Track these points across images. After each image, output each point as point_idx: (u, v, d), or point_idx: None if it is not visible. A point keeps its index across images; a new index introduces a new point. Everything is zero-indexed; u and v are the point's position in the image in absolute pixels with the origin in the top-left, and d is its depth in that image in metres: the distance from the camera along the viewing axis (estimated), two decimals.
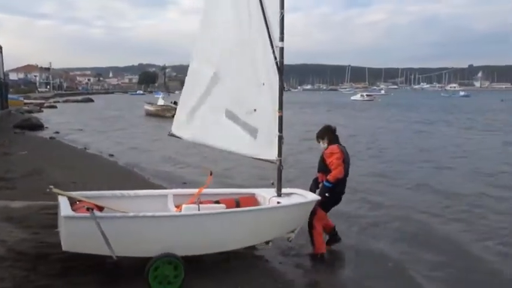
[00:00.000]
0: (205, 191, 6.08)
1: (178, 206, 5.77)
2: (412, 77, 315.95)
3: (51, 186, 5.08)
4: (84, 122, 31.37)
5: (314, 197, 6.20)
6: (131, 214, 5.03)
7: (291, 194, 6.41)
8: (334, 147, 6.31)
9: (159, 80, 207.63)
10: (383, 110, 51.94)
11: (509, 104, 68.63)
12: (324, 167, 6.35)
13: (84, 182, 9.73)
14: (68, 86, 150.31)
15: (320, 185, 6.40)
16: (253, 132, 6.28)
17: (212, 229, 5.31)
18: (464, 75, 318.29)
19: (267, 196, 6.33)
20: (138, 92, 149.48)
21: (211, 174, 6.23)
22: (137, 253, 4.95)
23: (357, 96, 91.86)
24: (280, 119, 6.17)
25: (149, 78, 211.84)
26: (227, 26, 6.22)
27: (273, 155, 6.30)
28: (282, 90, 6.15)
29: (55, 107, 52.83)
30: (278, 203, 6.08)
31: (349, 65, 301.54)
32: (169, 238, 5.03)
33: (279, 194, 6.32)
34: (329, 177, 6.17)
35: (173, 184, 10.62)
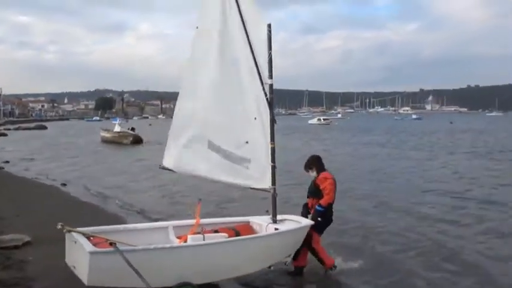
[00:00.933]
0: (202, 221, 6.31)
1: (179, 237, 6.01)
2: (367, 101, 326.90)
3: (61, 224, 5.11)
4: (36, 150, 30.47)
5: (308, 222, 6.54)
6: (152, 246, 5.27)
7: (285, 220, 6.80)
8: (327, 174, 6.78)
9: (116, 106, 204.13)
10: (338, 133, 53.63)
11: (457, 125, 72.58)
12: (316, 192, 6.73)
13: (29, 213, 9.51)
14: (20, 112, 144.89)
15: (312, 210, 6.74)
16: (246, 163, 6.65)
17: (225, 256, 5.65)
18: (416, 98, 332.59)
19: (263, 223, 6.68)
20: (94, 118, 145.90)
21: (200, 201, 6.46)
22: (157, 283, 5.09)
23: (314, 120, 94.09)
24: (273, 150, 6.62)
25: (106, 103, 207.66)
26: (215, 66, 6.65)
27: (266, 183, 6.70)
28: (273, 123, 6.61)
29: (5, 134, 50.91)
30: (276, 229, 6.42)
31: (307, 90, 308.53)
32: (186, 267, 5.29)
33: (275, 221, 6.69)
34: (321, 202, 6.57)
35: (130, 215, 10.60)
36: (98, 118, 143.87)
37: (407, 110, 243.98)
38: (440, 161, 23.02)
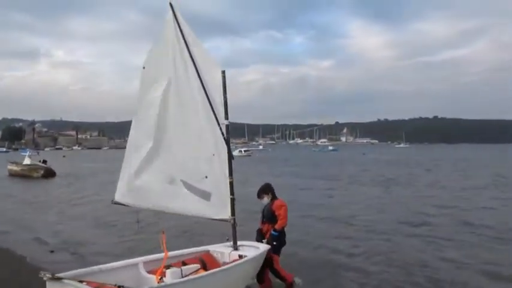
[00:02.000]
0: (169, 254, 6.58)
1: (151, 272, 6.30)
2: (287, 132, 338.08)
3: (49, 273, 5.12)
4: None
5: (265, 246, 7.13)
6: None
7: (243, 246, 7.34)
8: (282, 201, 7.50)
9: (26, 136, 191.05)
10: (257, 164, 54.56)
11: (370, 157, 77.64)
12: (272, 218, 7.36)
13: None
14: None
15: (267, 235, 7.35)
16: (206, 196, 7.14)
17: (216, 285, 6.20)
18: (332, 131, 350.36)
19: (224, 251, 7.21)
20: (0, 149, 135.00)
21: (163, 232, 6.65)
22: None
23: (236, 152, 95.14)
24: (231, 184, 7.18)
25: (15, 134, 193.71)
26: (173, 107, 7.08)
27: (226, 214, 7.24)
28: (230, 159, 7.19)
29: None
30: (239, 256, 6.95)
31: (229, 122, 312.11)
32: None
33: (236, 248, 7.23)
34: (276, 227, 7.26)
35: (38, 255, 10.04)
36: (4, 149, 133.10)
37: (325, 142, 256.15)
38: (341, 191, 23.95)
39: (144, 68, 7.07)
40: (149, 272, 6.33)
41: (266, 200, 7.53)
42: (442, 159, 67.14)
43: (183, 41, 6.99)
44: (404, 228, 12.91)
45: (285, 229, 7.42)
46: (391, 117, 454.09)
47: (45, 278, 5.16)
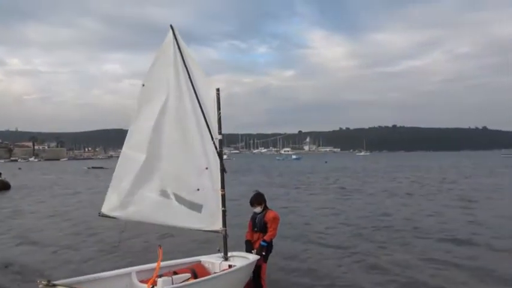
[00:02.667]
0: (161, 264, 6.80)
1: (143, 281, 6.50)
2: (251, 142, 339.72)
3: (44, 281, 5.29)
4: None
5: (255, 257, 7.37)
6: None
7: (233, 256, 7.58)
8: (276, 214, 7.70)
9: None
10: None
11: (332, 165, 79.42)
12: (263, 228, 7.59)
13: None
14: None
15: (256, 244, 7.59)
16: (198, 208, 7.34)
17: None
18: (296, 140, 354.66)
19: (215, 262, 7.46)
20: None
21: (160, 247, 6.89)
22: None
23: None
24: (223, 196, 7.46)
25: None
26: (169, 122, 7.31)
27: (218, 226, 7.49)
28: (223, 172, 7.48)
29: None
30: (230, 266, 7.21)
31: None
32: None
33: (226, 258, 7.51)
34: (266, 238, 7.50)
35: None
36: None
37: (288, 151, 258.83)
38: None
39: (143, 85, 7.32)
40: (141, 282, 6.52)
41: (259, 209, 7.71)
42: (398, 166, 69.73)
43: (182, 61, 7.32)
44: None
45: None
46: (352, 126, 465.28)
47: (40, 286, 5.32)
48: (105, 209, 7.11)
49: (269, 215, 7.61)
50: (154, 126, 7.22)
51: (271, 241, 7.57)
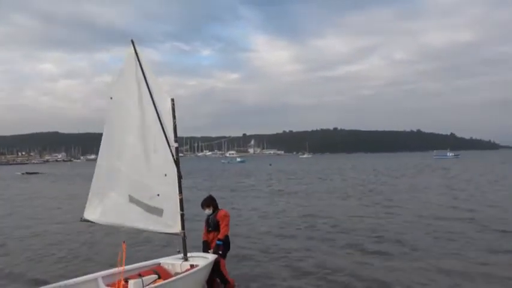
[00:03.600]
0: (125, 268, 7.13)
1: (110, 285, 6.84)
2: (196, 145, 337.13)
3: None
4: None
5: (213, 256, 7.94)
6: None
7: (193, 257, 8.05)
8: (226, 212, 8.35)
9: None
10: None
11: (275, 167, 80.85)
12: (217, 227, 8.18)
13: None
14: None
15: (213, 244, 8.17)
16: (159, 212, 7.84)
17: None
18: (240, 143, 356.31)
19: (175, 262, 7.92)
20: None
21: (124, 242, 7.23)
22: None
23: None
24: (181, 200, 7.97)
25: None
26: (134, 132, 7.82)
27: (177, 229, 7.99)
28: (180, 178, 7.96)
29: None
30: (191, 265, 7.70)
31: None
32: None
33: (186, 259, 7.98)
34: (220, 236, 8.09)
35: None
36: None
37: (233, 154, 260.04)
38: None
39: (111, 98, 7.77)
40: (108, 285, 6.82)
41: (208, 211, 8.36)
42: (337, 168, 72.34)
43: (141, 73, 7.77)
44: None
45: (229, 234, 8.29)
46: (295, 129, 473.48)
47: None
48: (87, 214, 7.65)
49: (220, 213, 8.26)
50: (122, 136, 7.77)
51: (226, 238, 8.15)
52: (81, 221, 7.63)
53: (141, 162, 7.85)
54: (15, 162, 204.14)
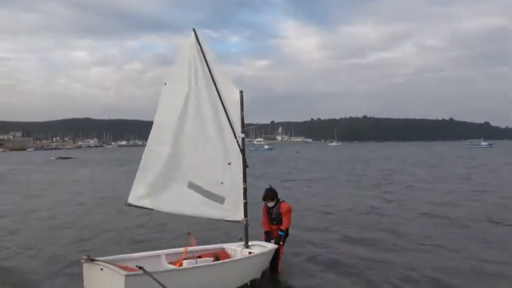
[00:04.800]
0: (188, 248, 7.59)
1: (171, 263, 7.27)
2: None
3: (87, 255, 6.38)
4: None
5: (273, 246, 8.21)
6: (170, 268, 6.87)
7: (254, 245, 8.26)
8: (289, 206, 8.56)
9: None
10: None
11: (302, 154, 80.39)
12: (280, 219, 8.47)
13: None
14: None
15: (275, 233, 8.51)
16: (220, 200, 8.01)
17: (225, 275, 7.20)
18: (268, 130, 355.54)
19: (237, 249, 8.16)
20: None
21: (189, 233, 7.81)
22: None
23: None
24: (245, 189, 8.12)
25: None
26: (194, 120, 7.89)
27: (240, 216, 8.16)
28: (245, 167, 8.10)
29: None
30: (250, 253, 7.89)
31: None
32: (194, 284, 6.66)
33: (247, 246, 8.19)
34: (282, 227, 8.41)
35: None
36: None
37: (261, 141, 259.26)
38: None
39: (165, 84, 7.86)
40: (169, 263, 7.28)
41: (272, 203, 8.59)
42: (367, 157, 71.15)
43: (205, 62, 7.84)
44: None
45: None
46: (323, 117, 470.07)
47: (82, 260, 6.40)
48: (131, 199, 7.63)
49: (283, 208, 8.48)
50: (178, 122, 7.77)
51: (287, 230, 8.48)
52: (126, 205, 7.68)
53: (200, 150, 7.94)
54: (49, 147, 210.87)
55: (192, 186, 7.84)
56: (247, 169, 8.18)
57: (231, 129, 7.98)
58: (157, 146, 7.78)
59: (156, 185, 7.65)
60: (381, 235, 11.75)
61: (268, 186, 8.84)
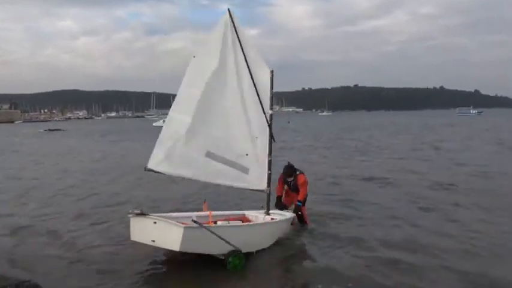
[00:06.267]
0: (212, 213, 8.12)
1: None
2: None
3: (140, 209, 6.98)
4: None
5: (291, 214, 9.07)
6: (225, 224, 7.70)
7: (274, 213, 8.91)
8: (305, 178, 9.37)
9: None
10: None
11: (294, 125, 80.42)
12: (297, 189, 9.33)
13: None
14: None
15: (294, 201, 9.42)
16: (245, 170, 8.52)
17: (260, 235, 7.95)
18: None
19: (258, 215, 8.80)
20: None
21: (205, 201, 8.40)
22: (222, 250, 7.02)
23: (160, 123, 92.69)
24: (270, 161, 8.67)
25: None
26: (221, 93, 8.31)
27: (263, 186, 8.72)
28: (271, 141, 8.64)
29: None
30: (272, 219, 8.56)
31: (154, 92, 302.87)
32: (240, 240, 7.16)
33: (268, 213, 8.81)
34: (299, 198, 9.26)
35: None
36: None
37: None
38: None
39: (194, 57, 8.24)
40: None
41: (290, 178, 9.42)
42: (356, 125, 71.62)
43: (237, 40, 8.24)
44: None
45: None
46: (314, 86, 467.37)
47: (130, 215, 6.98)
48: (151, 164, 8.01)
49: (300, 180, 9.30)
50: (203, 94, 8.10)
51: (304, 199, 9.33)
52: (145, 170, 7.99)
53: (227, 122, 8.37)
54: (38, 119, 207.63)
55: (210, 155, 8.23)
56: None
57: (259, 105, 8.45)
58: (179, 115, 8.15)
59: (175, 151, 8.03)
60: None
61: (286, 163, 9.59)
